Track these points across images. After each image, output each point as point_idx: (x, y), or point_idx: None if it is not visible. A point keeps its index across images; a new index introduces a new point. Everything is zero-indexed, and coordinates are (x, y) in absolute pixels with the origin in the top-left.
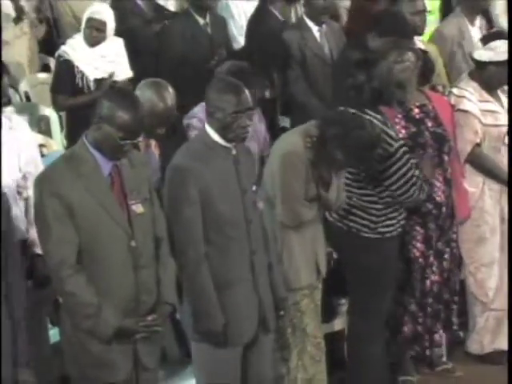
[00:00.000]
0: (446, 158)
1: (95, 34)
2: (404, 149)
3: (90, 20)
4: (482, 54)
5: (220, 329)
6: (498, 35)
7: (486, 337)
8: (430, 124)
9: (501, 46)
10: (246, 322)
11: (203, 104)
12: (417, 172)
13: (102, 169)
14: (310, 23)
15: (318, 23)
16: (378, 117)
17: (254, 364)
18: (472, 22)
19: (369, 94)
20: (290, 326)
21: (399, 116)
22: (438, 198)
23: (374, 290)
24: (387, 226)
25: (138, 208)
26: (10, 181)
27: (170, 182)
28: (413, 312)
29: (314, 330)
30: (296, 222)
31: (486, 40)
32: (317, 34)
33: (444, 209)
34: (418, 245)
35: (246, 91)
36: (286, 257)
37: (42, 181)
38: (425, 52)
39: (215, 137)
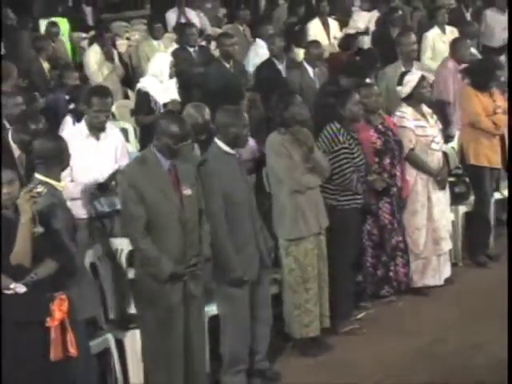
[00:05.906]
0: (403, 156)
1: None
2: (344, 151)
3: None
4: (406, 90)
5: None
6: (404, 73)
7: (416, 276)
8: (391, 134)
9: (409, 78)
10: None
11: None
12: (350, 169)
13: (163, 165)
14: (307, 66)
15: (313, 66)
16: (338, 126)
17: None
18: (407, 69)
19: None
20: (310, 266)
21: (372, 130)
22: (399, 184)
23: (341, 244)
24: (345, 200)
25: (187, 192)
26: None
27: None
28: (385, 261)
29: (324, 268)
30: (300, 187)
31: (400, 79)
32: (311, 74)
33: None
34: (387, 216)
35: None
36: (299, 215)
37: (122, 175)
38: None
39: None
